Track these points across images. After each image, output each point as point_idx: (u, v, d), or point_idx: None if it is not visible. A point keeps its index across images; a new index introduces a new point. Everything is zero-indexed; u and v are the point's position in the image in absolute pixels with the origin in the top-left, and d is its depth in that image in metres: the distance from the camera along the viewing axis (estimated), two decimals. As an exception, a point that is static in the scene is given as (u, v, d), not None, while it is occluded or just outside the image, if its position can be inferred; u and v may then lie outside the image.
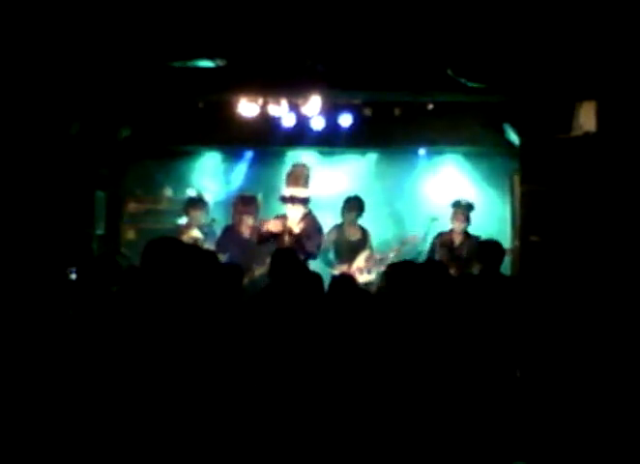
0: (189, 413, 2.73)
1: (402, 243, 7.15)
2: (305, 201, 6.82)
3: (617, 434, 4.17)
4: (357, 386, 3.32)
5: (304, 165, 7.11)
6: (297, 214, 6.77)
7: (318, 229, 6.84)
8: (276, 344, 3.38)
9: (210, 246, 6.85)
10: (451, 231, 7.03)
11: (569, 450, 4.06)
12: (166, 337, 2.77)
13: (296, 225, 6.73)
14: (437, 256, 6.93)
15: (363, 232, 7.15)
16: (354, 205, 7.06)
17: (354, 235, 7.12)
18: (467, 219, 6.99)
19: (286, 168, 7.25)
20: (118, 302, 3.31)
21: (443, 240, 7.00)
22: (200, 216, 7.20)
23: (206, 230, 7.20)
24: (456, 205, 7.01)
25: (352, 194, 7.19)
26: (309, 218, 6.84)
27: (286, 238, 6.61)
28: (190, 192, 7.62)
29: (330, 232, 7.14)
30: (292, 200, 6.77)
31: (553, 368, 5.11)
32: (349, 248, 7.06)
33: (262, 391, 3.15)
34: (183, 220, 7.30)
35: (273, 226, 6.68)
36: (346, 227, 7.13)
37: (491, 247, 5.33)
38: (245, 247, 6.79)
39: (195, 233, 7.04)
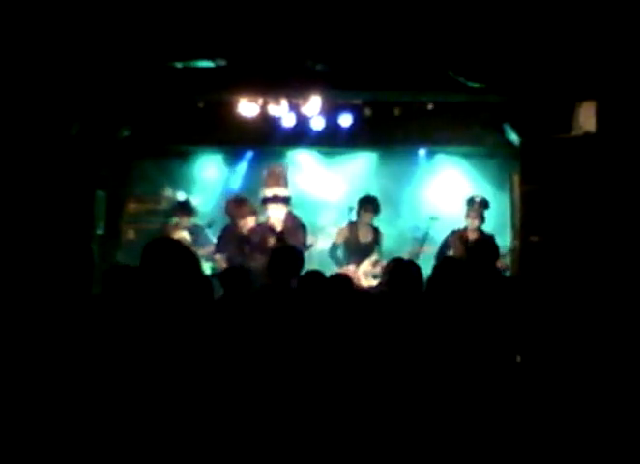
0: (190, 413, 2.73)
1: (407, 255, 7.00)
2: (286, 200, 6.76)
3: (617, 434, 4.17)
4: (355, 383, 3.32)
5: (282, 165, 7.10)
6: (279, 214, 6.71)
7: (301, 226, 6.75)
8: (274, 343, 3.38)
9: (198, 248, 6.61)
10: (466, 229, 6.97)
11: (569, 450, 4.06)
12: (164, 337, 2.77)
13: (278, 224, 6.67)
14: (452, 253, 6.88)
15: (376, 234, 7.05)
16: (371, 206, 6.96)
17: (366, 236, 7.03)
18: (480, 217, 6.93)
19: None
20: (119, 302, 3.31)
21: (458, 236, 6.95)
22: (186, 221, 7.21)
23: (197, 231, 7.18)
24: (470, 202, 6.97)
25: (369, 194, 7.09)
26: (291, 217, 6.78)
27: (270, 238, 6.59)
28: (180, 196, 7.61)
29: (341, 230, 7.11)
30: (275, 200, 6.69)
31: (553, 367, 5.11)
32: (359, 249, 6.99)
33: (260, 391, 3.15)
34: (172, 221, 7.29)
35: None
36: (359, 227, 7.04)
37: (486, 245, 5.34)
38: (242, 247, 6.76)
39: (182, 234, 6.99)
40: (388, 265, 4.26)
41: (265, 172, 6.99)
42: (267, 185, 6.84)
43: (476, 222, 6.92)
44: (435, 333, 3.64)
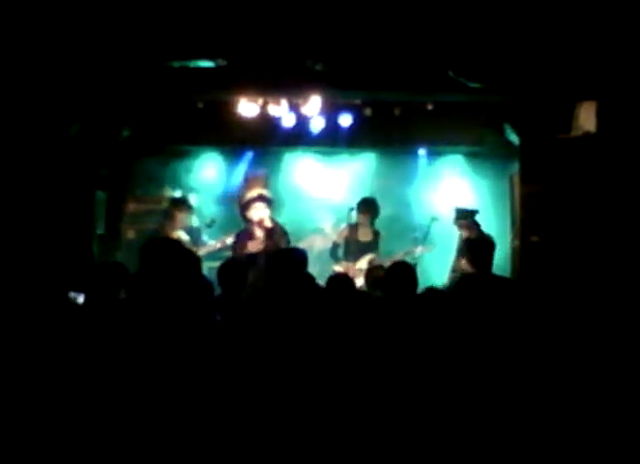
0: (190, 413, 2.73)
1: (404, 253, 7.03)
2: (270, 201, 6.88)
3: (617, 435, 4.17)
4: (354, 386, 3.32)
5: (264, 169, 7.24)
6: (264, 214, 6.78)
7: (283, 231, 6.82)
8: (273, 345, 3.38)
9: (197, 249, 6.62)
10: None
11: (570, 452, 4.05)
12: (165, 337, 2.78)
13: (269, 222, 6.77)
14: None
15: (375, 235, 7.16)
16: (368, 208, 7.06)
17: (366, 236, 7.14)
18: (474, 225, 6.81)
19: (286, 168, 7.25)
20: (119, 302, 3.31)
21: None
22: (184, 218, 7.07)
23: (195, 229, 7.15)
24: (457, 215, 6.92)
25: (368, 196, 7.19)
26: (274, 221, 6.85)
27: (263, 239, 6.62)
28: (176, 193, 7.60)
29: (343, 229, 7.21)
30: (260, 199, 6.78)
31: (553, 369, 5.10)
32: (358, 248, 7.10)
33: (260, 391, 3.15)
34: (168, 220, 7.27)
35: (252, 247, 6.66)
36: (360, 227, 7.15)
37: (480, 246, 5.32)
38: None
39: (179, 235, 6.93)
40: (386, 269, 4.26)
41: (245, 178, 7.14)
42: (249, 187, 6.94)
43: (469, 232, 6.74)
44: (435, 333, 3.64)
